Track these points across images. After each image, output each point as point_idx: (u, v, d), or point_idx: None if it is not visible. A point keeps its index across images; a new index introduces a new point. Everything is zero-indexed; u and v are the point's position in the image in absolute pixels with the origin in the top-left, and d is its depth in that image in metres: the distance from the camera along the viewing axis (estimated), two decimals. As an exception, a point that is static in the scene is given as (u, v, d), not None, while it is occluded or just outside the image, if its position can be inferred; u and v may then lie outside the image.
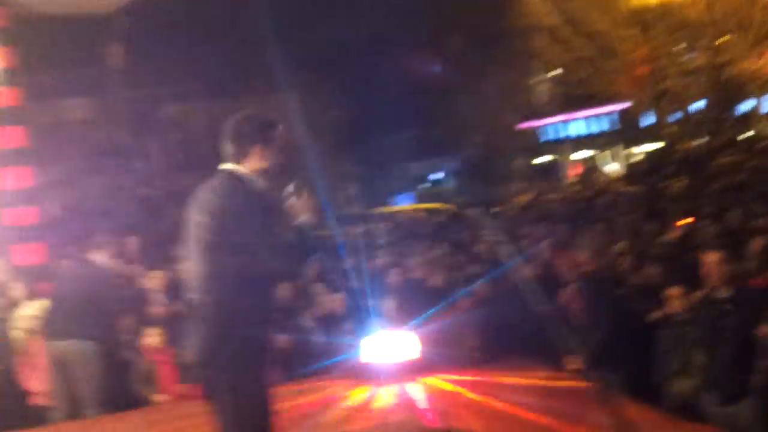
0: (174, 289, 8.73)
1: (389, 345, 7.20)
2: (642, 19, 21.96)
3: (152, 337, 7.87)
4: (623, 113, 29.64)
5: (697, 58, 22.11)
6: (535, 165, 32.96)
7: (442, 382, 6.92)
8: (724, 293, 5.89)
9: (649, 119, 26.82)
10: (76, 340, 7.36)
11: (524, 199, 16.88)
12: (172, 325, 8.13)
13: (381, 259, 9.48)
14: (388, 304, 7.98)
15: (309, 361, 7.65)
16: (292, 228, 3.80)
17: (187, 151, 24.76)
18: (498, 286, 7.97)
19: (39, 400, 7.76)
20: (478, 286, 7.97)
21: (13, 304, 8.26)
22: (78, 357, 7.35)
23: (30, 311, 8.04)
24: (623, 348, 6.42)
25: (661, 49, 22.01)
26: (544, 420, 5.61)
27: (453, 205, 21.50)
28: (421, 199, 29.24)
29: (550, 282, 7.46)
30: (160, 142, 24.76)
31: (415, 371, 7.10)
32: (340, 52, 29.09)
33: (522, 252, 8.47)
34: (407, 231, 12.83)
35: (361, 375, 7.25)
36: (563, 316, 6.84)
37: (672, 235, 8.62)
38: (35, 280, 8.60)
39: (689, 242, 8.19)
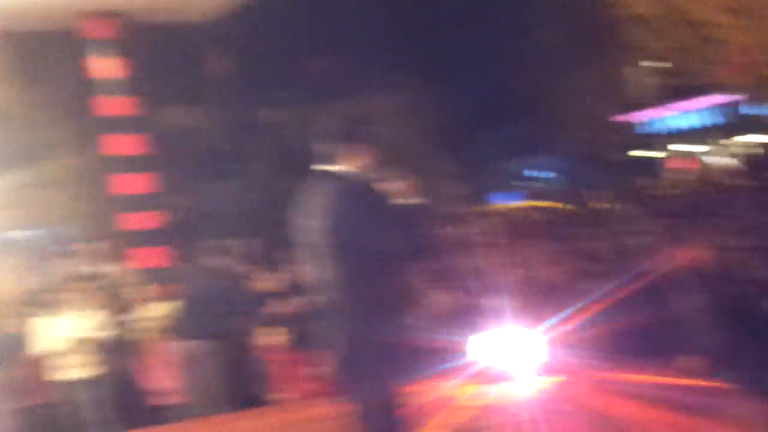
0: (292, 290, 8.97)
1: (504, 345, 7.22)
2: (746, 6, 21.32)
3: (272, 338, 8.08)
4: (725, 104, 28.83)
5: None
6: (634, 159, 32.32)
7: (562, 382, 6.92)
8: None
9: (752, 110, 26.04)
10: (199, 340, 7.64)
11: (634, 195, 16.58)
12: (291, 325, 8.36)
13: (494, 257, 9.48)
14: (504, 302, 7.99)
15: (421, 361, 7.71)
16: (400, 211, 3.88)
17: (291, 156, 25.19)
18: (620, 284, 7.89)
19: (163, 399, 8.07)
20: (600, 284, 7.91)
21: (138, 306, 8.60)
22: (203, 356, 7.63)
23: (155, 313, 8.37)
24: (746, 346, 6.31)
25: (762, 38, 21.32)
26: (663, 422, 5.58)
27: (563, 203, 21.31)
28: (526, 196, 28.95)
29: (671, 280, 7.37)
30: (265, 147, 25.24)
31: (532, 371, 7.11)
32: (441, 51, 29.11)
33: (642, 248, 8.36)
34: (519, 229, 12.77)
35: (475, 375, 7.29)
36: (686, 314, 6.76)
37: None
38: (160, 282, 8.93)
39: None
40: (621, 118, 31.70)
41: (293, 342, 8.18)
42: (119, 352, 8.35)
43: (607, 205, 15.48)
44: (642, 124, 33.29)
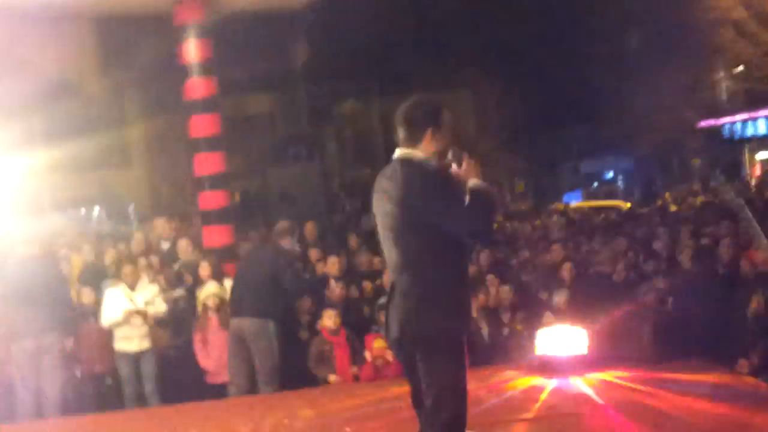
0: (349, 274, 9.03)
1: (561, 338, 7.16)
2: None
3: (329, 320, 8.13)
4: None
5: None
6: (716, 165, 31.53)
7: (612, 378, 6.82)
8: None
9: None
10: (257, 319, 7.71)
11: (702, 198, 16.25)
12: (347, 308, 8.41)
13: (553, 253, 9.39)
14: (561, 297, 7.92)
15: (475, 351, 7.68)
16: (466, 193, 3.91)
17: (361, 146, 25.38)
18: (677, 283, 7.75)
19: (217, 376, 8.20)
20: (657, 282, 7.78)
21: (199, 282, 8.75)
22: (257, 334, 7.69)
23: (213, 289, 8.49)
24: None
25: None
26: (711, 421, 5.46)
27: (628, 203, 20.97)
28: (591, 197, 28.57)
29: (731, 281, 7.20)
30: (335, 136, 25.47)
31: (586, 365, 7.03)
32: (513, 48, 28.89)
33: (703, 250, 8.19)
34: (580, 227, 12.63)
35: (531, 367, 7.25)
36: (743, 315, 6.60)
37: None
38: (221, 260, 9.06)
39: None
40: (706, 122, 30.96)
41: (352, 325, 8.23)
42: (179, 326, 8.53)
43: (674, 207, 15.19)
44: (728, 129, 32.43)
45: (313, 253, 9.58)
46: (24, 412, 7.42)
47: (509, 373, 7.22)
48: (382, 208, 4.00)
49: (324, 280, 8.87)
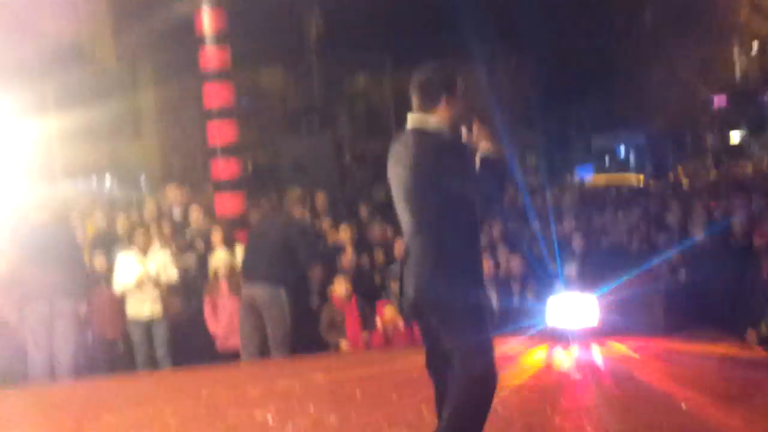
0: (361, 243, 9.06)
1: (572, 309, 7.17)
2: None
3: (340, 287, 8.17)
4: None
5: None
6: (729, 142, 31.36)
7: (623, 347, 6.84)
8: None
9: None
10: (269, 286, 7.75)
11: (714, 172, 16.19)
12: (358, 276, 8.44)
13: (566, 225, 9.39)
14: (572, 268, 7.93)
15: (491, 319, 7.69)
16: (479, 158, 3.92)
17: (373, 119, 25.32)
18: (688, 255, 7.75)
19: (225, 342, 8.25)
20: (667, 254, 7.78)
21: (210, 249, 8.79)
22: (269, 302, 7.74)
23: (224, 256, 8.53)
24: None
25: None
26: (722, 388, 5.48)
27: (641, 176, 20.90)
28: (602, 172, 28.46)
29: (742, 254, 7.19)
30: (348, 109, 25.39)
31: (597, 335, 7.05)
32: (528, 22, 28.67)
33: (714, 223, 8.18)
34: (593, 199, 12.60)
35: (542, 336, 7.27)
36: (753, 287, 6.59)
37: None
38: (232, 228, 9.09)
39: None
40: (720, 99, 30.77)
41: (363, 293, 8.26)
42: (189, 293, 8.57)
43: (686, 181, 15.15)
44: (741, 106, 32.21)
45: (325, 223, 9.60)
46: (36, 375, 7.49)
47: (519, 342, 7.24)
48: (396, 174, 4.01)
49: (335, 249, 8.90)
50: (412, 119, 4.02)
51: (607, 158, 33.61)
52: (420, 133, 3.96)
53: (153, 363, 8.14)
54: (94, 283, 8.28)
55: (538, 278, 8.23)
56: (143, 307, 8.14)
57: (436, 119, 3.96)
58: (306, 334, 8.05)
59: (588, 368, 6.40)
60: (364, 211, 10.39)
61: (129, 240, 8.59)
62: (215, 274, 8.47)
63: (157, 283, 8.14)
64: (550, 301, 7.35)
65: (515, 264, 8.33)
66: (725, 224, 8.04)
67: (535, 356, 6.90)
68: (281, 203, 9.09)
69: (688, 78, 27.45)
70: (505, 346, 7.12)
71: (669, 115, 29.37)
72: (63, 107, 14.57)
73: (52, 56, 14.09)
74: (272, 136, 18.86)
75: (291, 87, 23.44)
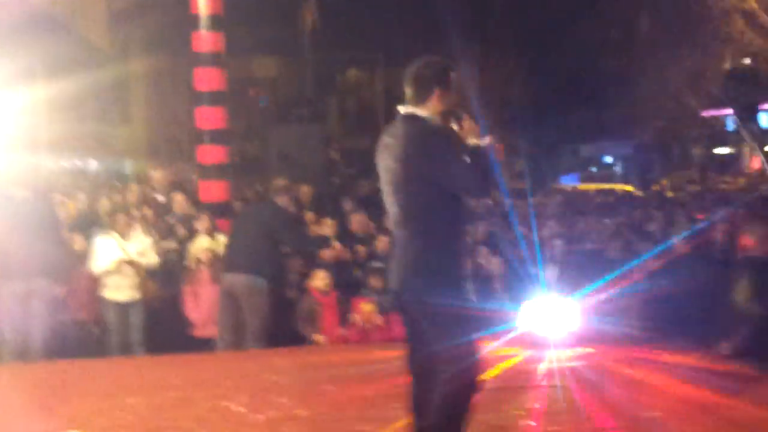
0: (343, 237, 9.04)
1: (550, 313, 7.18)
2: None
3: (319, 280, 8.15)
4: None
5: None
6: (716, 155, 31.52)
7: (597, 352, 6.86)
8: None
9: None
10: (250, 275, 7.73)
11: (697, 186, 16.29)
12: (338, 270, 8.42)
13: (548, 230, 9.41)
14: (551, 272, 7.94)
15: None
16: (466, 151, 3.93)
17: (363, 115, 25.34)
18: (667, 263, 7.79)
19: (202, 329, 8.22)
20: (646, 261, 7.82)
21: (192, 236, 8.75)
22: (249, 291, 7.72)
23: (206, 243, 8.50)
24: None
25: None
26: (689, 399, 5.53)
27: (626, 186, 21.00)
28: (588, 181, 28.58)
29: (722, 265, 7.23)
30: (338, 103, 25.41)
31: (573, 340, 7.06)
32: (521, 29, 28.77)
33: (694, 233, 8.23)
34: (576, 206, 12.64)
35: (518, 340, 7.27)
36: (728, 299, 6.63)
37: None
38: (216, 215, 9.05)
39: None
40: (710, 112, 30.85)
41: (342, 287, 8.25)
42: (166, 279, 8.53)
43: (671, 193, 15.23)
44: (729, 120, 32.33)
45: (308, 215, 9.58)
46: (10, 354, 7.43)
47: (494, 345, 7.22)
48: (386, 166, 4.04)
49: (317, 241, 8.87)
50: (404, 110, 4.05)
51: (593, 167, 33.74)
52: (410, 124, 3.99)
53: (127, 348, 8.09)
54: (73, 265, 8.22)
55: (518, 281, 8.23)
56: (121, 291, 8.09)
57: (427, 111, 3.99)
58: (283, 326, 8.03)
59: (560, 373, 6.40)
60: (347, 205, 10.38)
61: (111, 223, 8.54)
62: (196, 260, 8.43)
63: (136, 268, 8.09)
64: (528, 304, 7.36)
65: (495, 266, 8.33)
66: (706, 235, 8.10)
67: (509, 359, 6.90)
68: (266, 192, 9.07)
69: (678, 90, 27.51)
70: (481, 349, 7.12)
71: (658, 126, 29.48)
72: (52, 82, 14.48)
73: (41, 29, 13.97)
74: (261, 126, 18.87)
75: (283, 79, 23.43)
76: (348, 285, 8.40)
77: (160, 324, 8.26)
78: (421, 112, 4.00)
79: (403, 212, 3.96)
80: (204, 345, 8.10)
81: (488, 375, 6.10)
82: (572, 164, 33.65)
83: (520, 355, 6.91)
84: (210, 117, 9.75)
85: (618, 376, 6.21)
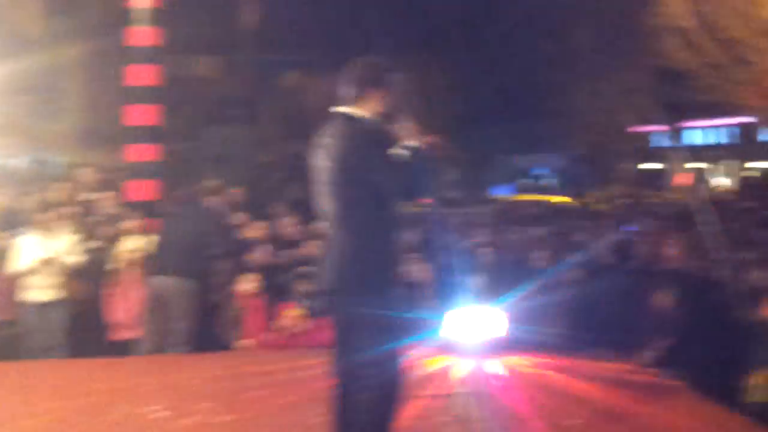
0: (273, 241, 8.99)
1: (474, 321, 7.21)
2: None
3: (247, 284, 8.08)
4: (743, 127, 28.58)
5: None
6: (643, 170, 32.20)
7: (519, 361, 6.92)
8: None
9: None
10: (176, 277, 7.63)
11: (625, 200, 16.62)
12: (265, 275, 8.36)
13: (477, 238, 9.49)
14: (478, 280, 7.99)
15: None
16: (402, 152, 3.95)
17: (299, 119, 25.23)
18: (591, 273, 7.92)
19: (124, 333, 8.07)
20: (571, 269, 7.94)
21: (120, 236, 8.60)
22: (176, 293, 7.62)
23: (134, 245, 8.36)
24: (700, 347, 6.27)
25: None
26: (607, 408, 5.63)
27: (558, 198, 21.28)
28: (522, 192, 28.97)
29: (644, 275, 7.38)
30: (275, 106, 25.27)
31: (496, 348, 7.10)
32: (461, 39, 29.03)
33: (619, 243, 8.39)
34: (509, 216, 12.79)
35: (443, 347, 7.30)
36: (649, 308, 6.78)
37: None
38: (145, 216, 8.92)
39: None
40: (639, 127, 31.46)
41: (269, 292, 8.19)
42: (91, 279, 8.35)
43: (601, 205, 15.51)
44: (660, 136, 33.08)
45: (239, 217, 9.49)
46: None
47: (419, 352, 7.25)
48: (321, 163, 4.04)
49: (246, 244, 8.80)
50: (341, 110, 4.05)
51: (528, 178, 34.20)
52: (346, 121, 4.00)
53: (48, 349, 7.90)
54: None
55: (445, 288, 8.26)
56: (43, 291, 7.89)
57: (365, 111, 4.01)
58: (209, 330, 7.94)
59: (483, 381, 6.45)
60: (277, 209, 10.31)
61: (36, 220, 8.34)
62: (122, 261, 8.29)
63: (59, 267, 7.92)
64: (454, 312, 7.38)
65: (424, 272, 8.35)
66: (630, 245, 8.27)
67: (433, 367, 6.93)
68: (197, 193, 8.97)
69: (610, 105, 28.02)
70: (405, 357, 7.14)
71: (590, 140, 29.98)
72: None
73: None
74: (196, 126, 18.67)
75: (220, 78, 23.22)
76: (276, 289, 8.34)
77: (82, 326, 8.08)
78: (358, 112, 4.01)
79: (337, 212, 3.96)
80: (128, 348, 7.95)
81: (412, 382, 6.17)
82: (508, 175, 34.05)
83: (443, 363, 6.94)
84: (143, 114, 9.61)
85: (539, 384, 6.29)
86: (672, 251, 6.83)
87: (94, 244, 8.64)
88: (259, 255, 8.61)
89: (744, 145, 29.15)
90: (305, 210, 9.46)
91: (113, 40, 10.72)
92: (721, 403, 5.69)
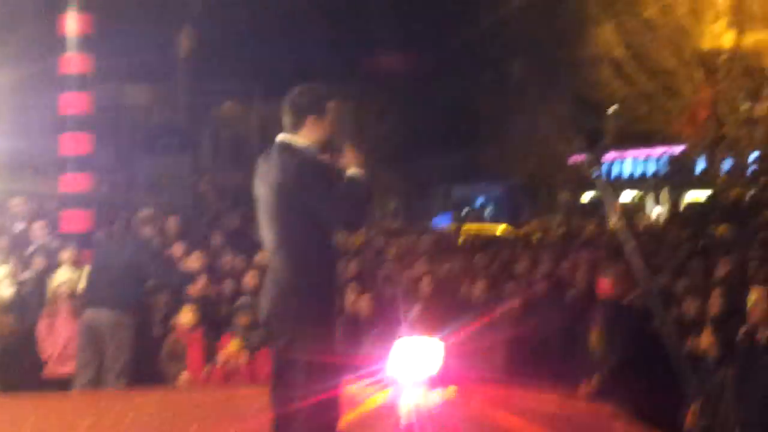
0: (211, 271, 8.87)
1: (415, 353, 7.18)
2: (709, 62, 21.73)
3: (186, 316, 7.94)
4: (676, 156, 29.25)
5: (759, 108, 21.81)
6: (581, 200, 32.71)
7: (461, 393, 6.91)
8: (765, 332, 5.83)
9: (701, 165, 26.41)
10: (111, 310, 7.47)
11: (563, 230, 16.86)
12: (205, 307, 8.24)
13: (416, 268, 9.49)
14: (418, 311, 7.98)
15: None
16: (344, 180, 3.95)
17: (236, 148, 25.10)
18: (530, 305, 7.98)
19: (58, 366, 7.86)
20: (510, 301, 7.99)
21: (53, 268, 8.41)
22: (111, 326, 7.46)
23: (67, 276, 8.18)
24: (638, 377, 6.34)
25: (724, 95, 21.77)
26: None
27: (495, 228, 21.48)
28: (460, 221, 29.17)
29: (581, 306, 7.46)
30: (211, 134, 25.11)
31: (438, 381, 7.08)
32: (399, 68, 29.26)
33: (560, 275, 8.48)
34: (447, 245, 12.85)
35: (381, 382, 7.24)
36: (586, 340, 6.85)
37: (719, 272, 8.53)
38: (78, 247, 8.74)
39: (736, 279, 8.09)
40: (577, 157, 31.93)
41: (209, 324, 8.06)
42: (23, 312, 8.14)
43: (538, 234, 15.71)
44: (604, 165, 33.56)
45: (176, 248, 9.35)
46: None
47: (358, 386, 7.20)
48: (262, 193, 4.03)
49: (184, 276, 8.66)
50: (280, 138, 4.04)
51: (465, 208, 34.41)
52: (285, 153, 3.97)
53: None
54: None
55: (386, 320, 8.23)
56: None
57: (304, 140, 3.99)
58: (146, 364, 7.77)
59: (421, 415, 6.42)
60: (216, 240, 10.20)
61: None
62: (55, 294, 8.09)
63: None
64: (395, 344, 7.35)
65: (364, 302, 8.31)
66: (568, 277, 8.36)
67: (370, 401, 6.88)
68: (131, 223, 8.81)
69: (547, 135, 28.43)
70: (345, 391, 7.07)
71: (528, 169, 30.36)
72: None
73: None
74: (130, 155, 18.44)
75: (154, 107, 23.00)
76: (215, 322, 8.22)
77: (13, 361, 7.84)
78: (297, 140, 4.00)
79: (277, 241, 3.94)
80: (59, 384, 7.73)
81: (349, 418, 6.11)
82: (445, 204, 34.23)
83: (381, 397, 6.89)
84: (75, 142, 9.45)
85: (478, 418, 6.28)
86: (605, 283, 6.90)
87: (26, 275, 8.43)
88: (198, 286, 8.48)
89: (681, 174, 29.77)
90: (245, 240, 9.41)
91: (45, 68, 10.53)
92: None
